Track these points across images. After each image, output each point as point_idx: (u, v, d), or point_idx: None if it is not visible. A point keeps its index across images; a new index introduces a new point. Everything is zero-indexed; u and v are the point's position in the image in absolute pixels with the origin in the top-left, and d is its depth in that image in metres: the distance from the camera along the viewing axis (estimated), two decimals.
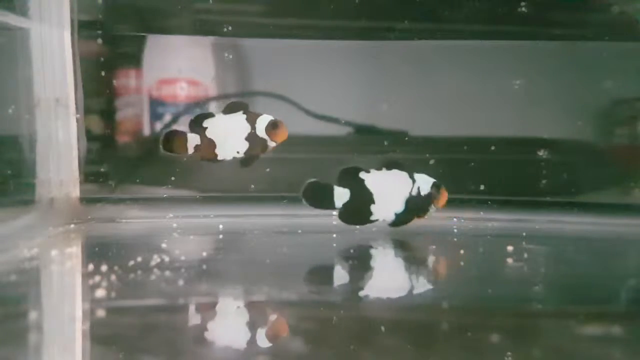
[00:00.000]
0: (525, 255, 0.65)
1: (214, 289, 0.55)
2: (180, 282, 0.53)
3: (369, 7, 0.86)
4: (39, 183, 0.79)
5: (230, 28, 0.85)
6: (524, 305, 0.52)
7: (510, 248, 0.67)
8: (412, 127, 0.89)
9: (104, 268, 0.55)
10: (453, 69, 0.88)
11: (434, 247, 0.73)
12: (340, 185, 0.72)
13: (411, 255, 0.73)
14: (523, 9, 0.84)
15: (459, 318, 0.48)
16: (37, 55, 0.78)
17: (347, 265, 0.65)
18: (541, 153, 0.87)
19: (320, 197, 0.72)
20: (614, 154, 0.90)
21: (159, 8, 0.87)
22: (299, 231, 0.79)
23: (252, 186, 0.87)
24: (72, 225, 0.78)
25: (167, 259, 0.60)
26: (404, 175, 0.72)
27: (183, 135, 0.73)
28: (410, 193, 0.71)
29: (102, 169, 0.85)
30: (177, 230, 0.77)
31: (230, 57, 0.89)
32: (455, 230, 0.79)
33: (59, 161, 0.81)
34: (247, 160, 0.73)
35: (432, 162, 0.87)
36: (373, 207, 0.72)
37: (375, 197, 0.72)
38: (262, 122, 0.71)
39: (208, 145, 0.72)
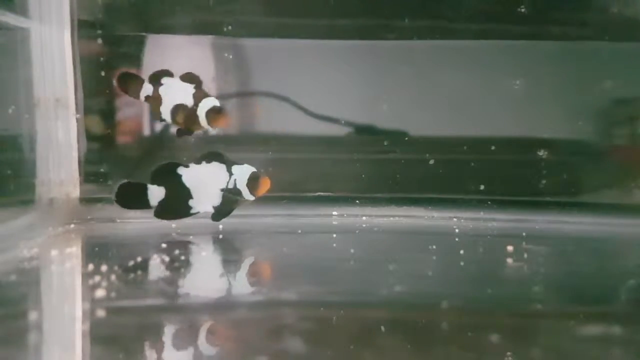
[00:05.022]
0: (525, 255, 0.65)
1: (213, 289, 0.55)
2: (180, 282, 0.53)
3: (368, 6, 0.86)
4: (39, 183, 0.79)
5: (230, 28, 0.85)
6: (524, 305, 0.52)
7: (510, 248, 0.67)
8: (412, 127, 0.89)
9: (104, 268, 0.55)
10: (453, 69, 0.88)
11: (434, 246, 0.73)
12: (154, 183, 0.73)
13: (410, 254, 0.73)
14: (523, 9, 0.84)
15: (459, 318, 0.48)
16: (37, 55, 0.78)
17: (348, 265, 0.65)
18: (541, 153, 0.87)
19: (133, 198, 0.73)
20: (614, 154, 0.90)
21: (159, 8, 0.87)
22: (299, 231, 0.79)
23: None
24: (72, 225, 0.78)
25: (167, 259, 0.60)
26: (222, 167, 0.72)
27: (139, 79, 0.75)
28: (227, 185, 0.72)
29: (102, 169, 0.85)
30: (177, 230, 0.77)
31: (230, 57, 0.89)
32: (456, 230, 0.79)
33: (59, 161, 0.81)
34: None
35: (432, 162, 0.87)
36: (191, 202, 0.73)
37: (192, 191, 0.72)
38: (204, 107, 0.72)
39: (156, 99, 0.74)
